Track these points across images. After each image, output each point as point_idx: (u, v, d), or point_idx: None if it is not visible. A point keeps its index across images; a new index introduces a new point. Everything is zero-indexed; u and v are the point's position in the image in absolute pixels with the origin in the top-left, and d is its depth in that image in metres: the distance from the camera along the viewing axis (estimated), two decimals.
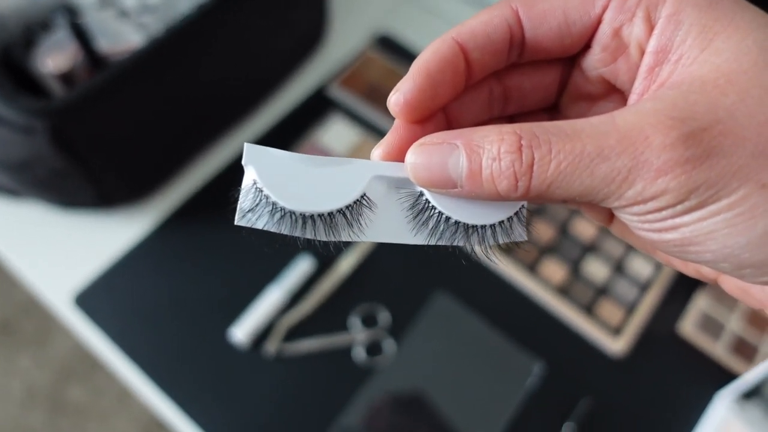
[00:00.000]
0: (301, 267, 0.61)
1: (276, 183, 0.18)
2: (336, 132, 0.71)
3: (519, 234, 0.20)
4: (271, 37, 0.65)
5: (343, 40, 0.78)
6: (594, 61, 0.20)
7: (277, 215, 0.18)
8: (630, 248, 0.65)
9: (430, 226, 0.19)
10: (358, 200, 0.19)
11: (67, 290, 0.60)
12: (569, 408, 0.57)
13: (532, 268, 0.63)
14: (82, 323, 0.58)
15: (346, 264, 0.62)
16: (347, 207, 0.18)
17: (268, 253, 0.62)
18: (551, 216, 0.67)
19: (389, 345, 0.59)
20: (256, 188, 0.18)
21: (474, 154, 0.17)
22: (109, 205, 0.61)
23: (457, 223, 0.19)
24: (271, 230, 0.18)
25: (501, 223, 0.19)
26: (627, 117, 0.17)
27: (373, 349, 0.59)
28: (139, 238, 0.63)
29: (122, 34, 0.57)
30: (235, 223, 0.18)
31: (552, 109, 0.24)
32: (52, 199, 0.59)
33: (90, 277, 0.60)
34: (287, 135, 0.70)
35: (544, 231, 0.66)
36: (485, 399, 0.57)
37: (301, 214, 0.18)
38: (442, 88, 0.19)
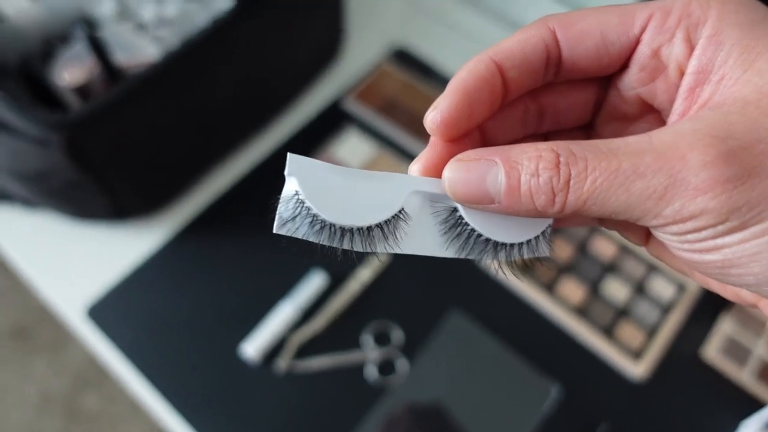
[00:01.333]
0: (314, 283, 0.60)
1: (317, 195, 0.18)
2: (351, 145, 0.70)
3: (543, 251, 0.20)
4: (288, 50, 0.65)
5: (360, 54, 0.78)
6: (631, 81, 0.20)
7: (317, 226, 0.18)
8: (651, 268, 0.63)
9: (461, 241, 0.20)
10: (395, 215, 0.19)
11: (80, 301, 0.60)
12: None
13: (549, 287, 0.62)
14: (93, 335, 0.58)
15: (359, 280, 0.61)
16: (385, 222, 0.19)
17: (281, 268, 0.62)
18: (570, 234, 0.65)
19: (402, 364, 0.57)
20: (297, 199, 0.19)
21: (513, 170, 0.18)
22: (123, 217, 0.61)
23: (487, 240, 0.19)
24: (309, 240, 0.19)
25: (528, 241, 0.20)
26: (664, 136, 0.16)
27: (386, 367, 0.57)
28: (153, 250, 0.63)
29: (139, 48, 0.57)
30: (274, 231, 0.19)
31: (587, 128, 0.23)
32: (67, 210, 0.59)
33: (103, 289, 0.60)
34: (302, 148, 0.70)
35: (563, 249, 0.64)
36: (500, 422, 0.56)
37: (340, 227, 0.18)
38: (479, 107, 0.19)
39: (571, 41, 0.19)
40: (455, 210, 0.20)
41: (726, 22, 0.17)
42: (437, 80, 0.74)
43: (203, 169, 0.65)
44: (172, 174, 0.63)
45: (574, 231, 0.65)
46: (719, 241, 0.16)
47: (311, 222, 0.18)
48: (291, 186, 0.19)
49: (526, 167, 0.17)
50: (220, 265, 0.62)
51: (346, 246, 0.19)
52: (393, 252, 0.19)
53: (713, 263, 0.17)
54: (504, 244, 0.20)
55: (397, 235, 0.19)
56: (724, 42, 0.17)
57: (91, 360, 1.31)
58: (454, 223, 0.20)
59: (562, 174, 0.17)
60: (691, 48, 0.18)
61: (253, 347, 0.56)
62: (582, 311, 0.61)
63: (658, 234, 0.17)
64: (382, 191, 0.19)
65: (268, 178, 0.68)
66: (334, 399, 0.56)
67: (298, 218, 0.19)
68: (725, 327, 0.60)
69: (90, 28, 0.58)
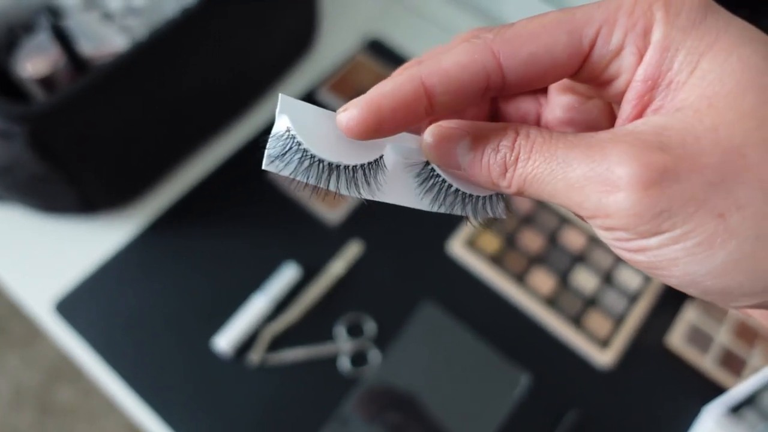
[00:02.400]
0: (287, 275, 0.60)
1: (308, 132, 0.19)
2: None
3: (501, 211, 0.22)
4: (259, 41, 0.64)
5: (334, 44, 0.77)
6: (585, 89, 0.21)
7: (306, 163, 0.19)
8: (619, 259, 0.64)
9: (434, 192, 0.21)
10: (376, 160, 0.20)
11: (48, 297, 0.59)
12: (556, 420, 0.56)
13: (520, 278, 0.63)
14: (62, 331, 0.57)
15: (332, 273, 0.61)
16: (368, 164, 0.20)
17: (254, 261, 0.62)
18: (540, 226, 0.66)
19: (375, 355, 0.58)
20: (289, 135, 0.19)
21: (479, 143, 0.19)
22: (91, 210, 0.60)
23: (457, 191, 0.21)
24: (296, 178, 0.19)
25: (490, 197, 0.22)
26: (603, 134, 0.17)
27: (359, 359, 0.58)
28: (122, 244, 0.62)
29: (106, 37, 0.56)
30: (263, 167, 0.19)
31: None
32: (34, 203, 0.58)
33: (71, 283, 0.59)
34: None
35: (533, 241, 0.65)
36: (472, 410, 0.57)
37: (328, 164, 0.19)
38: (390, 124, 0.19)
39: (516, 67, 0.18)
40: (428, 163, 0.21)
41: (669, 26, 0.17)
42: None
43: (174, 161, 0.65)
44: (142, 166, 0.62)
45: (545, 223, 0.66)
46: (643, 242, 0.16)
47: (300, 158, 0.19)
48: (282, 123, 0.19)
49: (491, 142, 0.19)
50: (192, 258, 0.62)
51: (331, 186, 0.19)
52: (373, 199, 0.20)
53: (641, 263, 0.17)
54: (471, 196, 0.21)
55: (378, 183, 0.20)
56: (670, 47, 0.17)
57: (65, 354, 1.29)
58: (427, 176, 0.21)
59: (514, 151, 0.18)
60: (639, 56, 0.18)
61: (225, 340, 0.56)
62: (551, 301, 0.62)
63: (596, 232, 0.18)
64: None
65: (240, 170, 0.67)
66: (307, 391, 0.56)
67: (287, 154, 0.19)
68: (689, 315, 0.62)
69: (54, 16, 0.56)
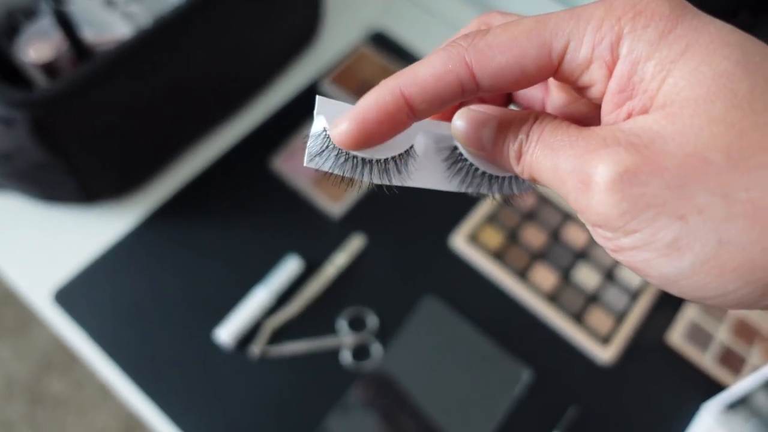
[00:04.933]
0: (289, 268, 0.59)
1: None
2: None
3: (527, 186, 0.23)
4: (264, 31, 0.64)
5: (337, 36, 0.77)
6: (556, 99, 0.22)
7: (341, 159, 0.21)
8: None
9: (462, 175, 0.23)
10: (407, 150, 0.22)
11: (46, 286, 0.58)
12: (557, 416, 0.57)
13: (522, 274, 0.63)
14: (61, 320, 0.57)
15: (334, 266, 0.60)
16: (399, 156, 0.22)
17: (256, 253, 0.61)
18: (543, 222, 0.66)
19: (377, 349, 0.58)
20: (325, 135, 0.21)
21: (502, 130, 0.20)
22: (92, 199, 0.59)
23: (483, 173, 0.22)
24: (334, 172, 0.21)
25: (514, 177, 0.23)
26: (599, 129, 0.18)
27: (361, 353, 0.58)
28: (123, 234, 0.61)
29: (109, 24, 0.55)
30: (305, 164, 0.21)
31: None
32: (34, 192, 0.58)
33: (71, 273, 0.59)
34: (278, 131, 0.69)
35: (536, 237, 0.65)
36: (473, 405, 0.57)
37: (361, 159, 0.21)
38: (376, 135, 0.20)
39: (488, 77, 0.19)
40: (456, 148, 0.23)
41: (638, 39, 0.17)
42: None
43: (176, 151, 0.64)
44: (143, 156, 0.61)
45: (547, 219, 0.66)
46: (619, 243, 0.17)
47: (336, 155, 0.21)
48: (319, 124, 0.21)
49: (513, 129, 0.20)
50: (194, 249, 0.61)
51: (365, 177, 0.22)
52: (405, 185, 0.22)
53: (625, 263, 0.18)
54: (497, 177, 0.23)
55: (408, 170, 0.22)
56: (639, 59, 0.17)
57: (57, 345, 1.28)
58: (455, 160, 0.23)
59: (529, 139, 0.19)
60: (609, 72, 0.18)
61: (226, 332, 0.56)
62: (553, 297, 0.62)
63: (588, 229, 0.19)
64: None
65: (242, 161, 0.67)
66: (309, 384, 0.56)
67: (325, 152, 0.21)
68: (689, 313, 0.62)
69: (56, 1, 0.55)
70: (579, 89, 0.19)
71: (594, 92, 0.19)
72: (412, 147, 0.22)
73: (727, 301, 0.16)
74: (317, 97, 0.21)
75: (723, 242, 0.15)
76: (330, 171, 0.21)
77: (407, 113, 0.20)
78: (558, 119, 0.19)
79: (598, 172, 0.16)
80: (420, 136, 0.22)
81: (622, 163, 0.16)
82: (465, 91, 0.19)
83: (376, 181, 0.22)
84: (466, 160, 0.23)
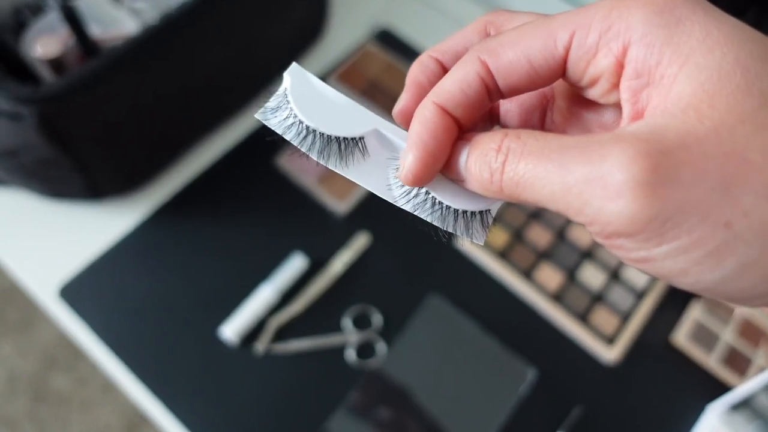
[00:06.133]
0: (294, 266, 0.59)
1: (301, 96, 0.22)
2: None
3: (476, 234, 0.22)
4: (270, 28, 0.64)
5: (343, 34, 0.76)
6: (572, 91, 0.21)
7: (290, 120, 0.21)
8: None
9: (404, 188, 0.22)
10: (355, 139, 0.22)
11: (52, 282, 0.58)
12: (562, 416, 0.57)
13: (527, 273, 0.62)
14: (66, 316, 0.57)
15: (339, 264, 0.60)
16: (344, 139, 0.21)
17: (261, 250, 0.61)
18: (548, 221, 0.66)
19: (381, 348, 0.58)
20: (285, 94, 0.22)
21: (474, 149, 0.19)
22: (97, 196, 0.59)
23: (427, 193, 0.21)
24: (278, 132, 0.22)
25: (465, 212, 0.21)
26: (601, 136, 0.16)
27: (365, 351, 0.58)
28: (128, 230, 0.61)
29: (115, 20, 0.55)
30: (255, 116, 0.22)
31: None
32: (39, 188, 0.58)
33: (76, 269, 0.59)
34: None
35: (541, 236, 0.65)
36: (477, 404, 0.56)
37: (306, 127, 0.21)
38: (441, 155, 0.20)
39: (503, 72, 0.19)
40: None
41: (651, 24, 0.17)
42: None
43: (182, 148, 0.64)
44: (150, 152, 0.61)
45: (553, 218, 0.66)
46: (646, 253, 0.16)
47: (287, 116, 0.21)
48: (284, 84, 0.22)
49: (483, 146, 0.19)
50: (199, 246, 0.61)
51: (305, 148, 0.21)
52: (341, 173, 0.22)
53: (652, 273, 0.17)
54: (442, 205, 0.21)
55: (351, 160, 0.22)
56: (654, 44, 0.17)
57: (61, 341, 1.28)
58: None
59: (500, 155, 0.18)
60: (617, 60, 0.18)
61: (231, 329, 0.56)
62: (558, 297, 0.62)
63: (595, 238, 0.17)
64: (353, 117, 0.22)
65: (248, 158, 0.67)
66: (314, 381, 0.56)
67: (279, 110, 0.22)
68: (695, 313, 0.62)
69: None
70: (586, 86, 0.19)
71: (600, 88, 0.19)
72: (362, 139, 0.22)
73: (763, 301, 0.16)
74: (293, 63, 0.22)
75: (767, 244, 0.15)
76: (275, 130, 0.22)
77: (456, 128, 0.20)
78: (538, 131, 0.18)
79: (630, 177, 0.15)
80: (374, 135, 0.22)
81: (660, 166, 0.15)
82: (490, 91, 0.20)
83: (314, 156, 0.21)
84: None
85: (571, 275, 0.63)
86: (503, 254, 0.63)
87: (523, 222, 0.65)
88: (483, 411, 0.56)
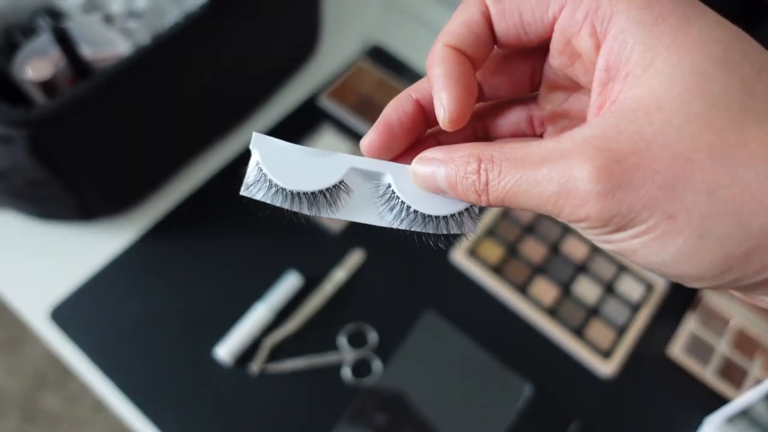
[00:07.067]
0: (288, 284, 0.59)
1: (273, 164, 0.23)
2: (326, 143, 0.69)
3: (469, 227, 0.23)
4: (262, 47, 0.64)
5: (335, 51, 0.77)
6: (554, 63, 0.22)
7: (273, 190, 0.23)
8: (621, 268, 0.65)
9: (395, 212, 0.23)
10: (336, 185, 0.23)
11: (42, 304, 0.57)
12: (559, 431, 0.56)
13: (522, 288, 0.62)
14: (57, 338, 0.56)
15: (333, 282, 0.60)
16: (327, 189, 0.23)
17: (255, 269, 0.61)
18: (542, 235, 0.66)
19: (377, 365, 0.57)
20: (258, 168, 0.23)
21: (450, 171, 0.21)
22: (88, 217, 0.59)
23: (416, 212, 0.23)
24: (267, 202, 0.23)
25: (452, 215, 0.23)
26: (563, 145, 0.18)
27: (361, 369, 0.57)
28: (120, 251, 0.61)
29: (107, 41, 0.55)
30: (240, 193, 0.23)
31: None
32: (30, 210, 0.57)
33: (67, 291, 0.58)
34: None
35: (535, 250, 0.65)
36: (475, 420, 0.56)
37: (290, 191, 0.22)
38: (472, 86, 0.22)
39: (498, 16, 0.21)
40: (389, 186, 0.23)
41: (631, 19, 0.18)
42: (412, 78, 0.74)
43: (174, 167, 0.64)
44: (142, 173, 0.61)
45: (547, 232, 0.66)
46: (609, 237, 0.19)
47: (268, 186, 0.23)
48: (254, 157, 0.23)
49: (459, 170, 0.21)
50: (192, 266, 0.61)
51: (296, 208, 0.23)
52: (335, 217, 0.23)
53: (614, 251, 0.19)
54: (431, 216, 0.23)
55: (339, 203, 0.23)
56: (628, 41, 0.18)
57: (51, 361, 1.26)
58: (389, 197, 0.23)
59: (481, 179, 0.20)
60: (597, 42, 0.19)
61: (225, 350, 0.55)
62: (554, 311, 0.62)
63: (575, 228, 0.20)
64: (327, 165, 0.23)
65: (241, 176, 0.66)
66: (308, 400, 0.56)
67: (259, 183, 0.23)
68: (690, 326, 0.62)
69: (54, 19, 0.55)
70: (570, 59, 0.21)
71: (581, 66, 0.20)
72: (342, 182, 0.23)
73: (704, 284, 0.18)
74: (253, 133, 0.23)
75: (704, 236, 0.17)
76: (263, 201, 0.23)
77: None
78: (507, 147, 0.20)
79: (592, 187, 0.17)
80: (356, 174, 0.23)
81: (614, 174, 0.17)
82: (492, 28, 0.21)
83: (306, 212, 0.23)
84: (398, 197, 0.23)
85: (566, 289, 0.63)
86: (498, 269, 0.63)
87: (517, 236, 0.66)
88: (480, 427, 0.56)
